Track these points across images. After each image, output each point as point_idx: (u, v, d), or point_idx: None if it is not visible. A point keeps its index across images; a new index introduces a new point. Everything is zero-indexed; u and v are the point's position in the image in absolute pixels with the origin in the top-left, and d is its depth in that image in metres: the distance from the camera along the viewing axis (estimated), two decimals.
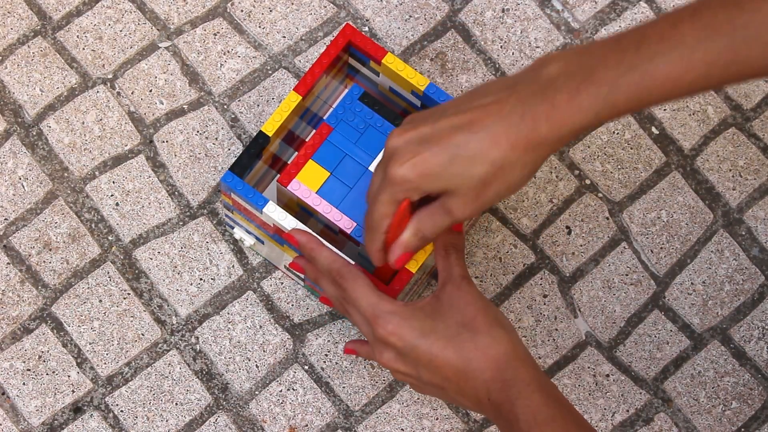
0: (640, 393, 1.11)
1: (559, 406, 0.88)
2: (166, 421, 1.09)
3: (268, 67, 1.17)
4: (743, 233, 1.15)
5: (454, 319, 0.92)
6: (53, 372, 1.10)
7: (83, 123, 1.15)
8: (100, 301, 1.11)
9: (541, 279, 1.13)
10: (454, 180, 0.89)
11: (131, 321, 1.11)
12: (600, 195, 1.16)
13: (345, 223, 1.04)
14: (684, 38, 0.83)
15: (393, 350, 0.93)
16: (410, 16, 1.19)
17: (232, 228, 1.11)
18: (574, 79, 0.85)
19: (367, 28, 1.19)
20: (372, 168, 1.06)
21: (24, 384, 1.09)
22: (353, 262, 1.00)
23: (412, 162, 0.89)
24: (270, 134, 1.03)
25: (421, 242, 0.94)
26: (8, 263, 1.12)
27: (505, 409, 0.89)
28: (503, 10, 1.19)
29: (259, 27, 1.18)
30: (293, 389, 1.10)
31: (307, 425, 1.09)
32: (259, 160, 1.04)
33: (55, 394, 1.09)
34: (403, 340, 0.92)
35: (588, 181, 1.16)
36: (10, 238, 1.12)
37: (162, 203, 1.14)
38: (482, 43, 1.18)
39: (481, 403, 0.91)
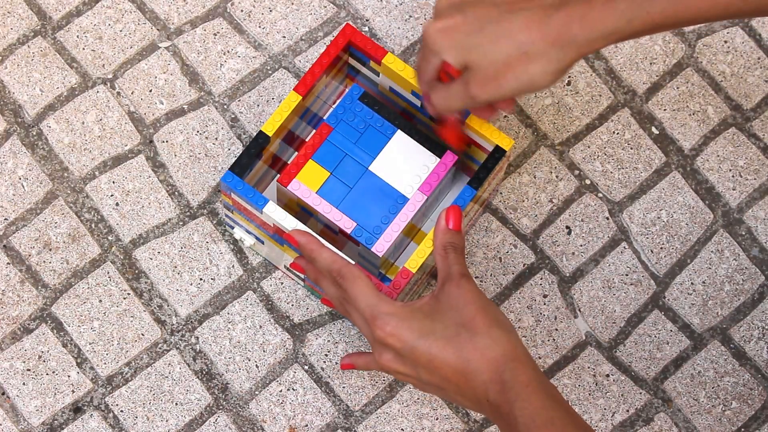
0: (640, 393, 1.11)
1: (558, 408, 0.88)
2: (166, 421, 1.09)
3: (268, 67, 1.17)
4: (743, 233, 1.15)
5: (453, 320, 0.92)
6: (53, 372, 1.10)
7: (83, 123, 1.16)
8: (100, 301, 1.11)
9: (541, 279, 1.13)
10: (477, 51, 0.89)
11: (131, 321, 1.11)
12: (600, 195, 1.16)
13: (345, 223, 1.04)
14: None
15: (392, 351, 0.93)
16: (410, 16, 1.19)
17: (232, 228, 1.11)
18: None
19: (367, 28, 1.19)
20: (372, 168, 1.06)
21: (24, 384, 1.09)
22: (353, 262, 1.00)
23: (445, 23, 0.91)
24: (270, 134, 1.03)
25: (434, 111, 0.96)
26: (8, 263, 1.12)
27: (504, 411, 0.89)
28: None
29: (259, 27, 1.18)
30: (293, 389, 1.10)
31: (307, 425, 1.10)
32: (259, 160, 1.04)
33: (55, 394, 1.09)
34: (401, 341, 0.92)
35: (588, 181, 1.16)
36: (10, 238, 1.13)
37: (162, 203, 1.14)
38: None
39: (481, 403, 0.91)
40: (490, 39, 0.89)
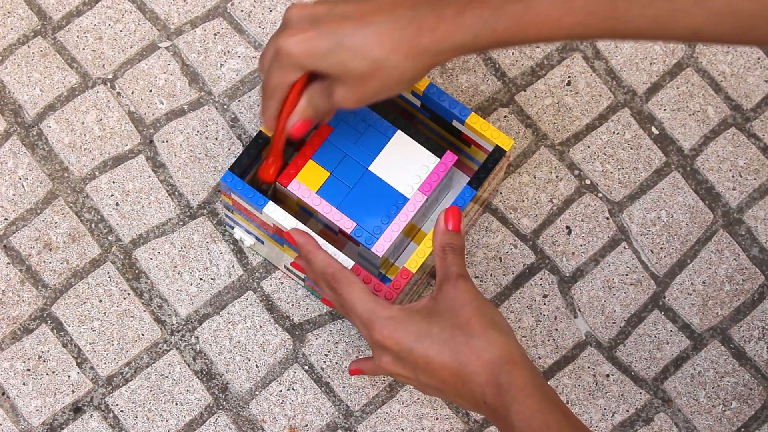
0: (640, 393, 1.11)
1: (555, 411, 0.88)
2: (166, 421, 1.09)
3: None
4: (743, 233, 1.15)
5: (449, 322, 0.92)
6: (53, 372, 1.10)
7: (83, 123, 1.16)
8: (100, 301, 1.11)
9: (541, 279, 1.13)
10: (335, 67, 0.92)
11: (131, 321, 1.11)
12: (600, 195, 1.16)
13: (345, 223, 1.04)
14: None
15: (391, 354, 0.93)
16: None
17: (232, 228, 1.11)
18: None
19: None
20: (372, 168, 1.06)
21: (24, 384, 1.09)
22: (353, 263, 1.00)
23: (299, 38, 0.92)
24: (270, 134, 1.03)
25: (314, 113, 0.97)
26: (8, 263, 1.12)
27: (500, 414, 0.88)
28: None
29: (259, 27, 1.18)
30: (293, 389, 1.10)
31: (307, 425, 1.10)
32: (259, 160, 1.04)
33: (55, 394, 1.09)
34: (399, 344, 0.92)
35: (588, 181, 1.16)
36: (10, 238, 1.13)
37: (162, 203, 1.14)
38: None
39: (479, 405, 0.91)
40: (347, 54, 0.91)
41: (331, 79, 0.93)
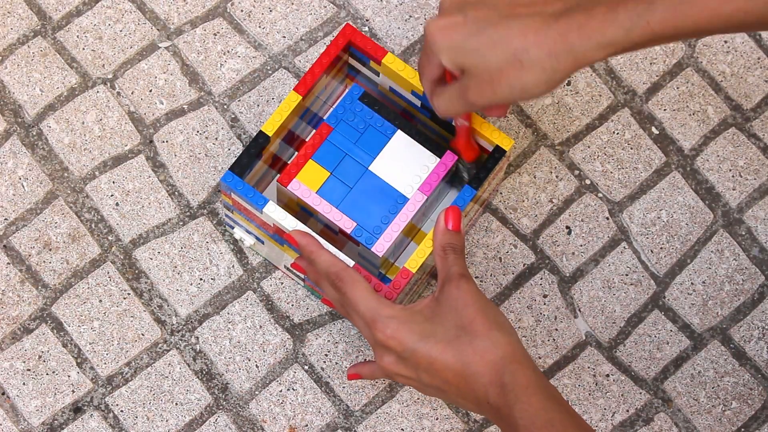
0: (640, 393, 1.11)
1: (558, 409, 0.88)
2: (166, 421, 1.09)
3: (268, 67, 1.17)
4: (743, 233, 1.15)
5: (452, 322, 0.92)
6: (53, 372, 1.10)
7: (83, 123, 1.15)
8: (100, 301, 1.11)
9: (541, 279, 1.13)
10: (473, 55, 0.89)
11: (131, 321, 1.11)
12: (600, 195, 1.16)
13: (345, 223, 1.04)
14: None
15: (393, 354, 0.93)
16: (410, 16, 1.19)
17: (232, 228, 1.11)
18: None
19: (367, 28, 1.19)
20: (372, 168, 1.06)
21: (24, 384, 1.09)
22: (353, 263, 1.00)
23: (445, 23, 0.90)
24: (270, 134, 1.03)
25: (451, 113, 0.95)
26: (8, 263, 1.12)
27: (504, 413, 0.89)
28: None
29: (259, 27, 1.18)
30: (293, 389, 1.10)
31: (307, 425, 1.09)
32: (259, 160, 1.04)
33: (55, 394, 1.09)
34: (402, 344, 0.92)
35: (588, 181, 1.16)
36: (10, 238, 1.12)
37: (162, 203, 1.14)
38: None
39: (482, 405, 0.91)
40: (487, 43, 0.88)
41: (466, 74, 0.90)
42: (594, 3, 0.86)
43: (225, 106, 1.16)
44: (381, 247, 1.04)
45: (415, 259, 1.01)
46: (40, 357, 1.10)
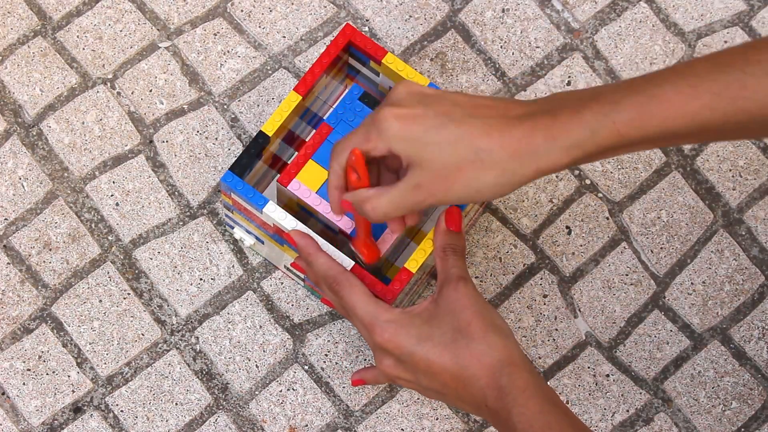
0: (640, 393, 1.11)
1: (556, 412, 0.88)
2: (166, 421, 1.09)
3: (268, 67, 1.17)
4: (743, 233, 1.15)
5: (450, 325, 0.92)
6: (53, 372, 1.10)
7: (83, 123, 1.15)
8: (100, 301, 1.11)
9: (541, 279, 1.13)
10: (430, 150, 0.86)
11: (131, 321, 1.11)
12: (600, 195, 1.16)
13: (345, 223, 1.04)
14: (695, 69, 0.83)
15: (392, 357, 0.93)
16: (410, 16, 1.19)
17: (232, 228, 1.11)
18: (581, 99, 0.85)
19: (367, 28, 1.19)
20: None
21: (24, 384, 1.09)
22: (352, 263, 1.00)
23: (401, 114, 0.87)
24: (270, 134, 1.03)
25: (364, 215, 0.91)
26: (8, 263, 1.12)
27: (502, 417, 0.89)
28: (503, 10, 1.19)
29: (259, 27, 1.18)
30: (293, 389, 1.10)
31: (307, 425, 1.10)
32: (259, 160, 1.04)
33: (55, 394, 1.09)
34: (400, 347, 0.92)
35: (588, 181, 1.16)
36: (10, 238, 1.13)
37: (162, 203, 1.14)
38: (482, 43, 1.18)
39: (480, 408, 0.91)
40: (449, 139, 0.85)
41: (418, 169, 0.87)
42: (558, 107, 0.85)
43: (225, 106, 1.16)
44: (381, 247, 1.04)
45: (415, 259, 1.01)
46: (40, 357, 1.10)
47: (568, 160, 0.85)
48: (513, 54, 1.18)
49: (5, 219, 1.13)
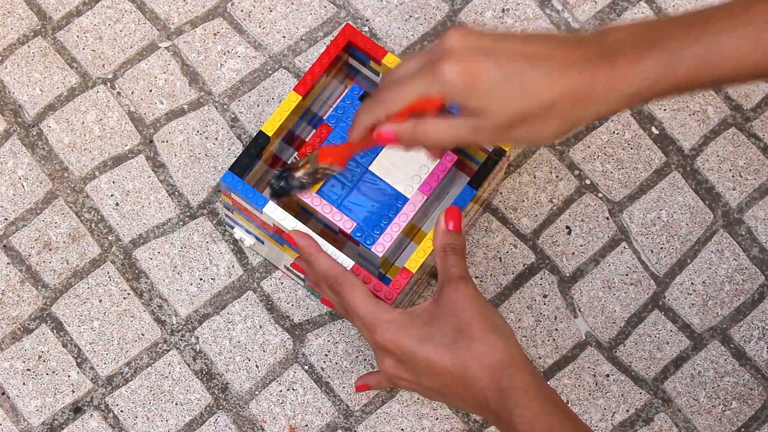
0: (640, 393, 1.11)
1: (557, 413, 0.88)
2: (166, 421, 1.09)
3: (268, 67, 1.17)
4: (743, 233, 1.15)
5: (450, 325, 0.92)
6: (53, 372, 1.10)
7: (83, 123, 1.16)
8: (100, 301, 1.11)
9: (541, 279, 1.13)
10: (495, 102, 0.86)
11: (131, 321, 1.11)
12: (600, 195, 1.16)
13: (345, 223, 1.04)
14: (754, 17, 0.82)
15: (393, 357, 0.93)
16: (410, 16, 1.19)
17: (232, 228, 1.11)
18: (638, 45, 0.84)
19: (367, 28, 1.19)
20: (372, 168, 1.06)
21: (24, 384, 1.09)
22: (352, 263, 1.00)
23: (464, 67, 0.86)
24: (270, 134, 1.03)
25: (414, 140, 0.90)
26: (8, 263, 1.12)
27: (504, 418, 0.89)
28: (503, 10, 1.19)
29: (259, 27, 1.18)
30: (293, 389, 1.10)
31: (307, 425, 1.10)
32: (259, 160, 1.04)
33: (55, 394, 1.09)
34: (401, 347, 0.92)
35: (588, 181, 1.16)
36: (10, 238, 1.13)
37: (162, 203, 1.14)
38: None
39: (482, 409, 0.91)
40: (513, 92, 0.85)
41: (477, 115, 0.86)
42: (615, 52, 0.84)
43: (225, 106, 1.16)
44: (381, 247, 1.04)
45: (415, 259, 1.01)
46: (40, 357, 1.10)
47: (624, 106, 0.85)
48: None
49: (5, 219, 1.13)
